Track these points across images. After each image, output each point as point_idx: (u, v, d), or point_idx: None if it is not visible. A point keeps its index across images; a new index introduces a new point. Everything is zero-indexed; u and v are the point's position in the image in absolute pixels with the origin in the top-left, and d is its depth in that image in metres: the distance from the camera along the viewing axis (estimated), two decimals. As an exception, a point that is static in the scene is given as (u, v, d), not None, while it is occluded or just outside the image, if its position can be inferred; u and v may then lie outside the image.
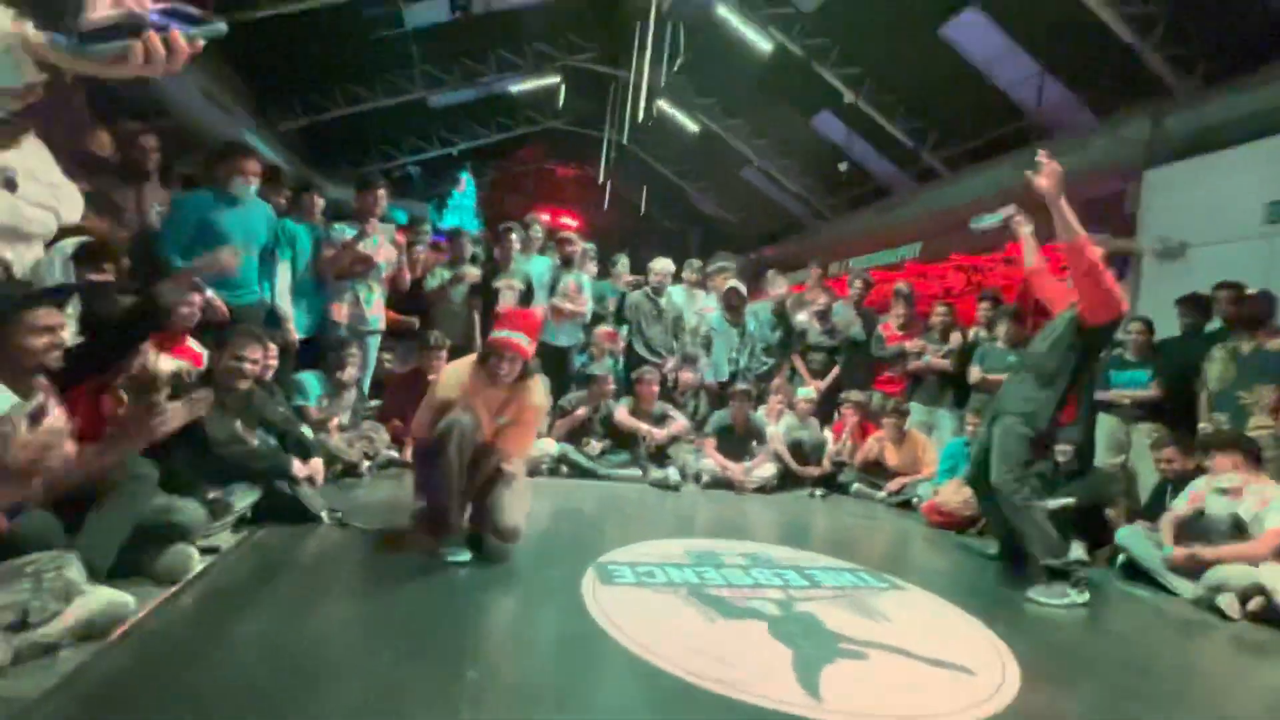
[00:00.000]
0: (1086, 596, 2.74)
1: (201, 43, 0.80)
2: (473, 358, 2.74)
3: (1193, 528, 3.11)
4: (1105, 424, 4.31)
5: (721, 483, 4.59)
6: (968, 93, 8.40)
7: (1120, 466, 4.26)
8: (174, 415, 1.89)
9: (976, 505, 4.03)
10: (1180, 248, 5.74)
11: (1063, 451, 3.88)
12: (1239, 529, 2.98)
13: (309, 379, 3.81)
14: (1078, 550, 3.60)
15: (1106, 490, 3.89)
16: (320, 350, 3.92)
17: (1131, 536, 3.34)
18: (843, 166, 10.91)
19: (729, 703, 1.66)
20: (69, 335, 1.82)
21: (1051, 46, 7.22)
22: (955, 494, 4.11)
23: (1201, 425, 3.84)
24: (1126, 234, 6.38)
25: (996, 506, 3.10)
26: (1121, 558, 3.38)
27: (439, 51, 10.21)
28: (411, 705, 1.51)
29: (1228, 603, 2.75)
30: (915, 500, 4.45)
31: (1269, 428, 3.55)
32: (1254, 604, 2.71)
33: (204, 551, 2.16)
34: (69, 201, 1.47)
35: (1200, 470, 3.32)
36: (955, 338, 5.06)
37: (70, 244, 2.45)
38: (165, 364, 2.65)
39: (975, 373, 4.70)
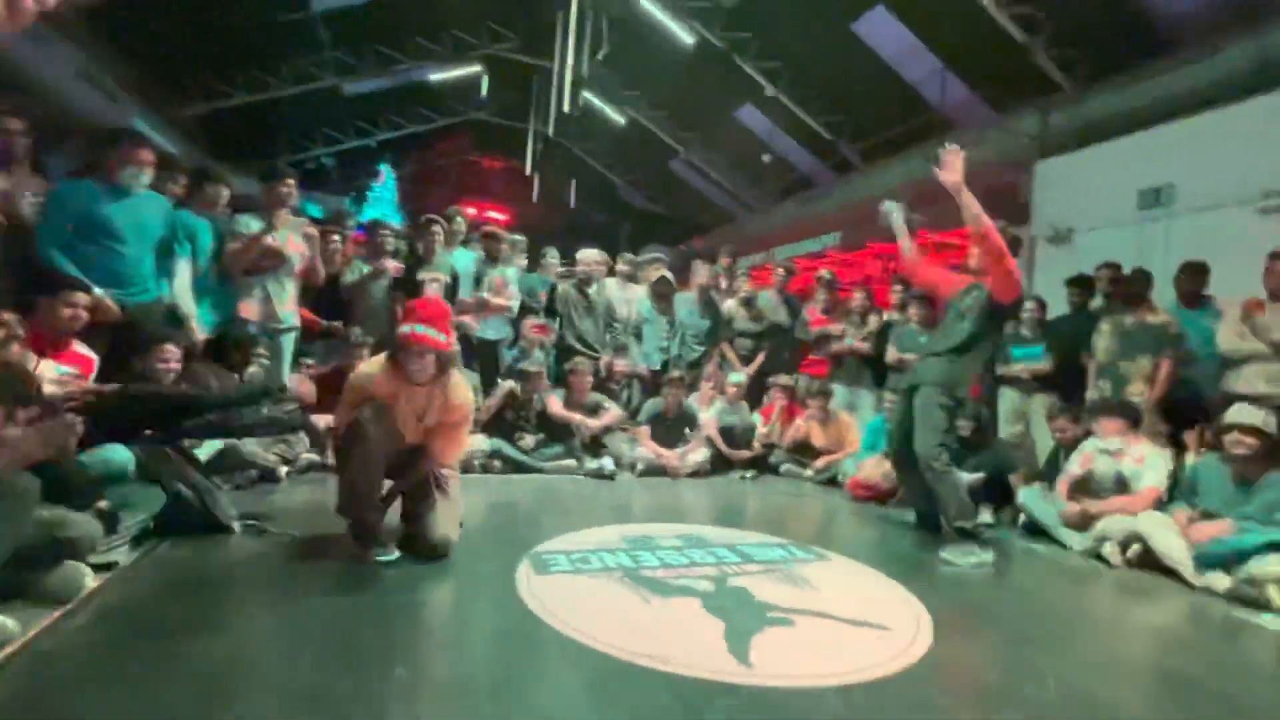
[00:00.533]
0: (991, 555, 2.97)
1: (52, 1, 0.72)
2: (384, 357, 2.54)
3: (1083, 487, 3.41)
4: (1007, 397, 4.65)
5: (656, 470, 4.65)
6: (880, 87, 8.80)
7: (1021, 435, 4.61)
8: (29, 441, 1.71)
9: (896, 478, 4.29)
10: (1067, 233, 6.25)
11: (964, 425, 4.15)
12: (1122, 486, 3.30)
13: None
14: (985, 515, 3.90)
15: (1009, 458, 4.20)
16: (225, 349, 3.67)
17: (1030, 497, 3.63)
18: (766, 158, 11.21)
19: (663, 676, 1.69)
20: None
21: (952, 44, 7.66)
22: (876, 468, 4.33)
23: (1089, 393, 4.20)
24: (1022, 221, 6.89)
25: (916, 476, 3.29)
26: (1022, 518, 3.67)
27: (350, 36, 9.76)
28: (335, 709, 1.46)
29: (1110, 551, 3.06)
30: (840, 476, 4.66)
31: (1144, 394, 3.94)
32: (1132, 552, 3.01)
33: (99, 568, 2.00)
34: None
35: (1089, 435, 3.64)
36: (873, 320, 5.31)
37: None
38: (48, 369, 2.44)
39: (892, 353, 4.96)
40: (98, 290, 2.89)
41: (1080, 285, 4.70)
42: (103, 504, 2.05)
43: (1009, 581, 2.96)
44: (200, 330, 3.43)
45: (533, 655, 1.82)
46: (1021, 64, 6.99)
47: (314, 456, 3.86)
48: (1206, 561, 2.73)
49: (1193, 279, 4.16)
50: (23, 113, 3.04)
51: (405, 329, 2.44)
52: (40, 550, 1.78)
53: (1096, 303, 4.63)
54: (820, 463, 4.88)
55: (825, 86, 9.49)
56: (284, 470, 3.62)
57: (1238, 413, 3.01)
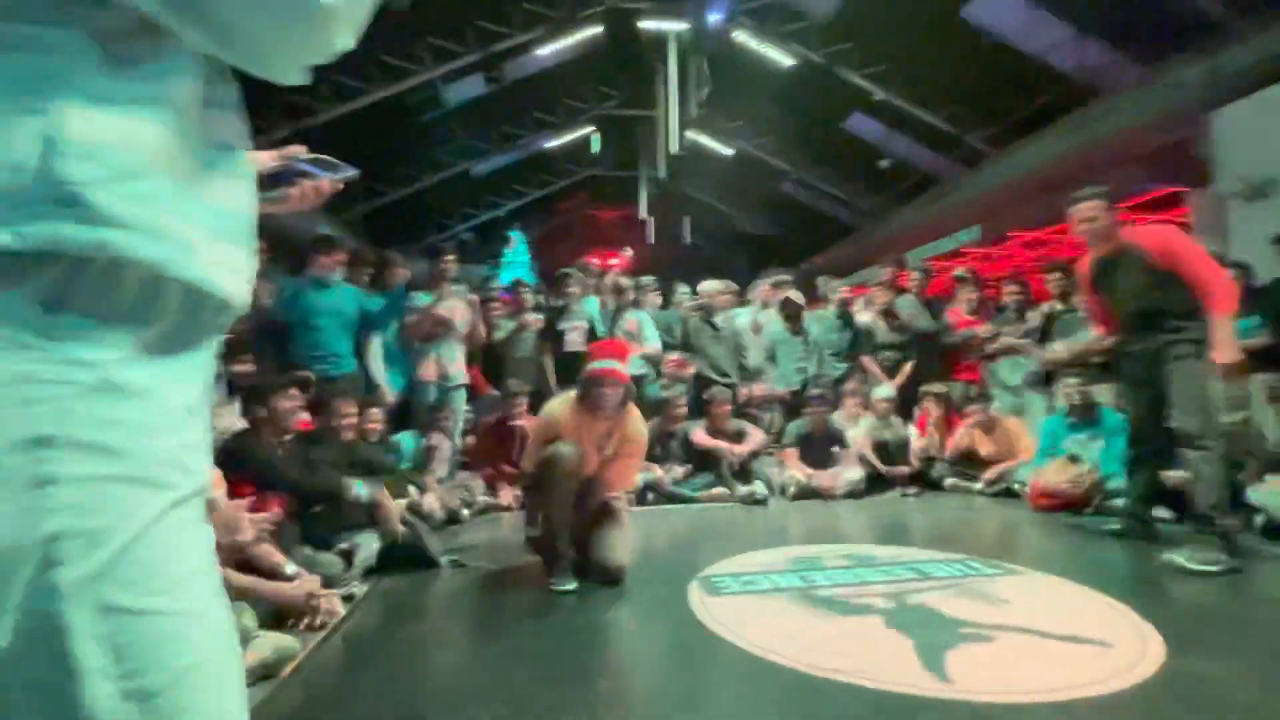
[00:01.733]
0: (1238, 562, 2.57)
1: (341, 185, 0.95)
2: (570, 395, 2.76)
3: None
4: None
5: (809, 492, 4.54)
6: (1001, 68, 8.24)
7: (1243, 423, 3.96)
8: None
9: (1087, 483, 3.86)
10: (1267, 185, 5.37)
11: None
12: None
13: (403, 439, 4.07)
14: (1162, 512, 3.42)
15: (1233, 451, 3.62)
16: (412, 409, 4.20)
17: (1268, 494, 3.10)
18: (884, 163, 10.81)
19: (853, 689, 1.67)
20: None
21: (1083, 7, 7.03)
22: (1060, 473, 3.93)
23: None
24: (1204, 182, 6.03)
25: (1149, 474, 3.12)
26: (1260, 518, 3.14)
27: (478, 123, 10.91)
28: (553, 715, 1.60)
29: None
30: (1017, 486, 4.27)
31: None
32: None
33: (343, 599, 2.36)
34: None
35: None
36: (1033, 315, 4.88)
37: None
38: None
39: (1061, 349, 4.51)
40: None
41: (1292, 243, 4.03)
42: (344, 545, 2.43)
43: (1254, 590, 2.54)
44: (390, 393, 3.95)
45: (719, 670, 1.87)
46: (1173, 9, 6.25)
47: (489, 499, 4.24)
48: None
49: None
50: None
51: (595, 365, 2.69)
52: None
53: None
54: (990, 473, 4.50)
55: (938, 80, 9.05)
56: (465, 512, 4.01)
57: None
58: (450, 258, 4.37)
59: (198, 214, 0.53)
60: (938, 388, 4.99)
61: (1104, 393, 4.30)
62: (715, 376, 5.39)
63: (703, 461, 4.75)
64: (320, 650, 1.98)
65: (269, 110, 7.77)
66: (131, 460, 0.48)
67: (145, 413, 0.50)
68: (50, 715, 0.46)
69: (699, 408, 5.10)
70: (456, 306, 4.34)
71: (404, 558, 2.75)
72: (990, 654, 1.90)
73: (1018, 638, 2.00)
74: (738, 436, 4.85)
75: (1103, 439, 4.03)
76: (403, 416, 4.19)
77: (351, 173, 0.94)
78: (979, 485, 4.52)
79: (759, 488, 4.47)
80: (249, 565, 1.96)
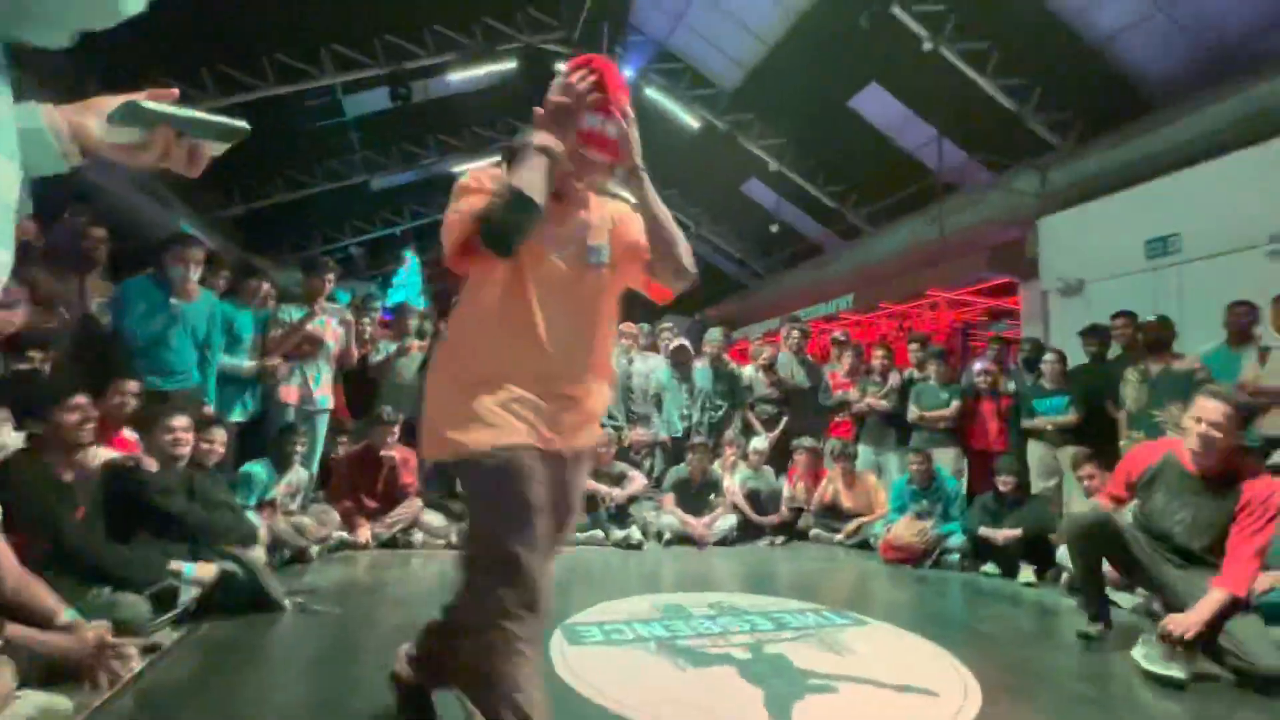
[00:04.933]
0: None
1: (222, 148, 0.80)
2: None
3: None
4: (1035, 451, 4.59)
5: (683, 538, 4.60)
6: (879, 156, 9.19)
7: (1055, 489, 4.51)
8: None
9: (929, 539, 4.21)
10: (1078, 284, 6.32)
11: (1004, 482, 4.09)
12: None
13: (256, 471, 3.63)
14: (1027, 573, 3.79)
15: (1047, 514, 4.11)
16: (265, 435, 3.82)
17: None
18: (774, 228, 11.58)
19: (704, 746, 1.67)
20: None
21: (945, 114, 8.05)
22: (907, 529, 4.26)
23: (1122, 443, 4.14)
24: (1031, 276, 7.00)
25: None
26: (1064, 576, 3.55)
27: (379, 137, 10.50)
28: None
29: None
30: (872, 539, 4.57)
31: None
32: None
33: (143, 651, 2.04)
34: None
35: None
36: (894, 378, 5.34)
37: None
38: (104, 455, 2.57)
39: (914, 411, 4.97)
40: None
41: (1095, 335, 4.72)
42: (156, 586, 2.11)
43: (1057, 641, 2.85)
44: (242, 414, 3.58)
45: (571, 728, 1.80)
46: (1014, 128, 7.32)
47: (344, 534, 3.91)
48: (1271, 613, 2.59)
49: (1242, 315, 3.92)
50: (102, 222, 3.34)
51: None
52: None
53: (1114, 351, 4.64)
54: (850, 527, 4.79)
55: (827, 159, 9.93)
56: (315, 549, 3.66)
57: None
58: (331, 275, 4.08)
59: None
60: (809, 442, 5.29)
61: (947, 459, 4.76)
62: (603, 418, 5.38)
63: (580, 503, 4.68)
64: (102, 712, 1.69)
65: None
66: None
67: None
68: None
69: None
70: (330, 324, 4.04)
71: (236, 600, 2.44)
72: (831, 705, 1.97)
73: (858, 688, 2.10)
74: (619, 480, 4.84)
75: (941, 502, 4.44)
76: (253, 441, 3.79)
77: (239, 126, 0.79)
78: (839, 537, 4.79)
79: (634, 533, 4.46)
80: (17, 610, 1.64)
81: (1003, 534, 3.91)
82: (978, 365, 5.10)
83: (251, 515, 3.19)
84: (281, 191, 10.34)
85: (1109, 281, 6.09)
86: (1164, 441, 2.96)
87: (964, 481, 4.80)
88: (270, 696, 1.94)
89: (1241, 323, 3.91)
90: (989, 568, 3.98)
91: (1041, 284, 6.81)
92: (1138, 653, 2.37)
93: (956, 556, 4.14)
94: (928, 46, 6.91)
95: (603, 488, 4.72)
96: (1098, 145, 6.79)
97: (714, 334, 5.90)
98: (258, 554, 2.83)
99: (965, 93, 7.25)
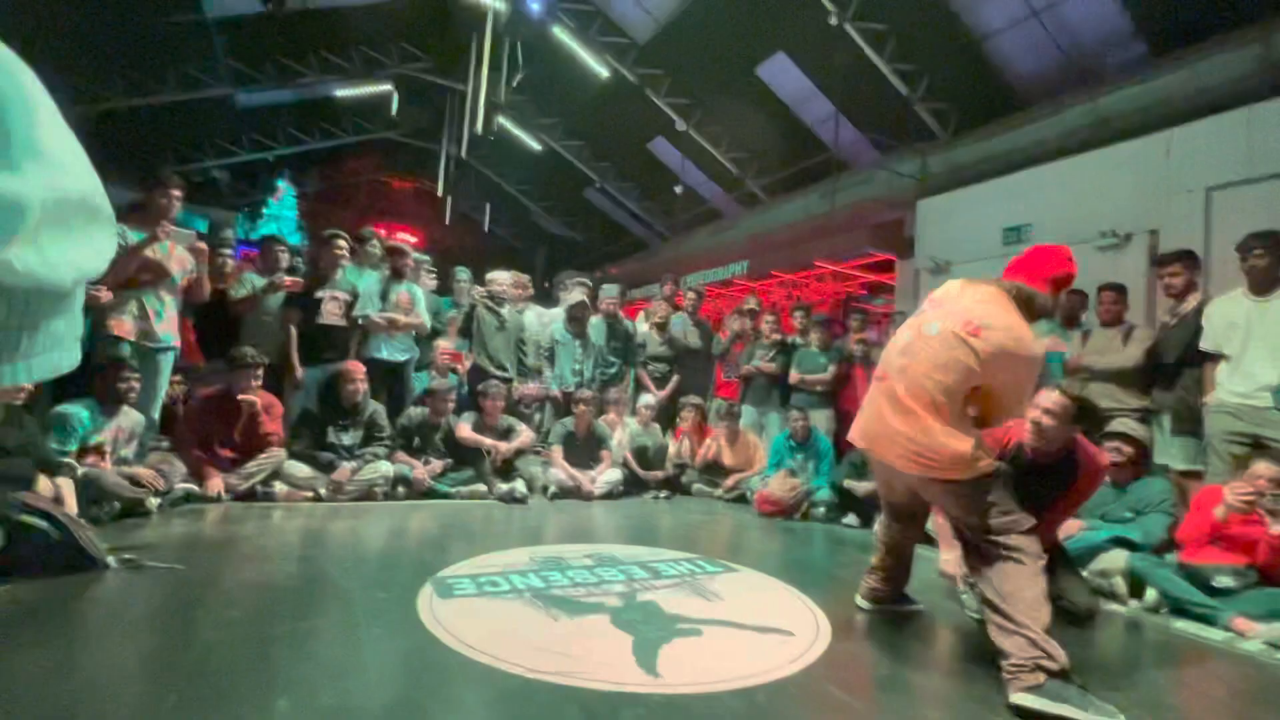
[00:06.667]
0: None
1: None
2: None
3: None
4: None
5: (569, 492, 4.61)
6: (781, 127, 9.40)
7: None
8: None
9: (799, 494, 4.50)
10: (945, 265, 6.87)
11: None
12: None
13: (74, 412, 3.15)
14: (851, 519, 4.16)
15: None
16: (92, 371, 3.33)
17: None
18: (678, 189, 11.61)
19: (569, 691, 1.68)
20: None
21: (843, 92, 8.34)
22: (781, 485, 4.52)
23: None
24: (908, 255, 7.52)
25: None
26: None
27: (249, 46, 9.29)
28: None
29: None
30: (749, 494, 4.82)
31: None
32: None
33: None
34: None
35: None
36: (776, 341, 5.57)
37: None
38: None
39: (794, 375, 5.24)
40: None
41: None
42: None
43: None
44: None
45: (431, 679, 1.75)
46: (904, 112, 7.72)
47: (193, 487, 3.55)
48: (1077, 554, 2.98)
49: (1075, 302, 4.36)
50: None
51: None
52: None
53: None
54: (730, 481, 5.02)
55: (732, 124, 10.02)
56: (155, 503, 3.29)
57: (1118, 424, 3.34)
58: (175, 191, 3.56)
59: None
60: (696, 400, 5.45)
61: (821, 419, 5.08)
62: (493, 370, 5.22)
63: (465, 456, 4.55)
64: None
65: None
66: None
67: None
68: None
69: (473, 400, 4.89)
70: (175, 251, 3.55)
71: (48, 559, 2.13)
72: (696, 647, 2.06)
73: (722, 631, 2.20)
74: (506, 434, 4.74)
75: (814, 459, 4.74)
76: (77, 379, 3.30)
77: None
78: (720, 492, 5.01)
79: (519, 486, 4.41)
80: None
81: (864, 486, 4.25)
82: (853, 335, 5.45)
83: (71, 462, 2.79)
84: (120, 96, 8.91)
85: (971, 264, 6.66)
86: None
87: (834, 440, 5.15)
88: (79, 660, 1.73)
89: (1073, 308, 4.41)
90: (849, 519, 4.33)
91: (915, 262, 7.34)
92: (965, 598, 2.68)
93: (823, 510, 4.46)
94: (834, 21, 7.07)
95: (488, 441, 4.61)
96: (971, 136, 7.33)
97: (610, 289, 5.86)
98: (68, 505, 2.48)
99: (864, 72, 7.52)
